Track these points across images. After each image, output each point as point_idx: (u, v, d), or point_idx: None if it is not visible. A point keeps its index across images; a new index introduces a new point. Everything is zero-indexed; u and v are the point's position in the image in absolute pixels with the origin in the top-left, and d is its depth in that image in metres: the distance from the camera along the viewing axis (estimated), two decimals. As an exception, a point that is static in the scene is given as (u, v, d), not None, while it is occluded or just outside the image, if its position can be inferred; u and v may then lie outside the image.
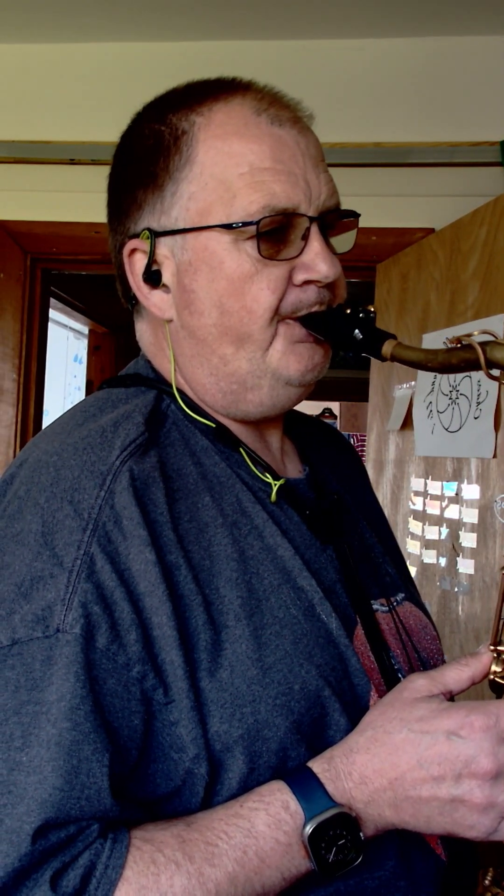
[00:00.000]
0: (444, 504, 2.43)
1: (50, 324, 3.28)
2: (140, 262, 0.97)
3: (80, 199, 2.79)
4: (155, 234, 0.95)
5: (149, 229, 0.95)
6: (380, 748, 0.81)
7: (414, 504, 2.61)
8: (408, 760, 0.79)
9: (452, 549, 2.36)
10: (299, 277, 0.92)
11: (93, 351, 5.57)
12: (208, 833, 0.78)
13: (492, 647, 0.86)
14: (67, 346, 6.17)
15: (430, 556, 2.49)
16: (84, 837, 0.75)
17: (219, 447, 0.96)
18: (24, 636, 0.78)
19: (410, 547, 2.60)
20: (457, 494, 2.36)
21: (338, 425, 8.37)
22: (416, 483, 2.59)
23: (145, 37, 2.82)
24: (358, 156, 2.73)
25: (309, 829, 0.78)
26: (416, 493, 2.59)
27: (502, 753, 0.78)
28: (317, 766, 0.82)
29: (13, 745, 0.75)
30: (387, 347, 0.89)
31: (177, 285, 0.95)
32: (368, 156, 2.74)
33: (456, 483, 2.37)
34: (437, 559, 2.45)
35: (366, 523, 1.10)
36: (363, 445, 3.07)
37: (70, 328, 5.93)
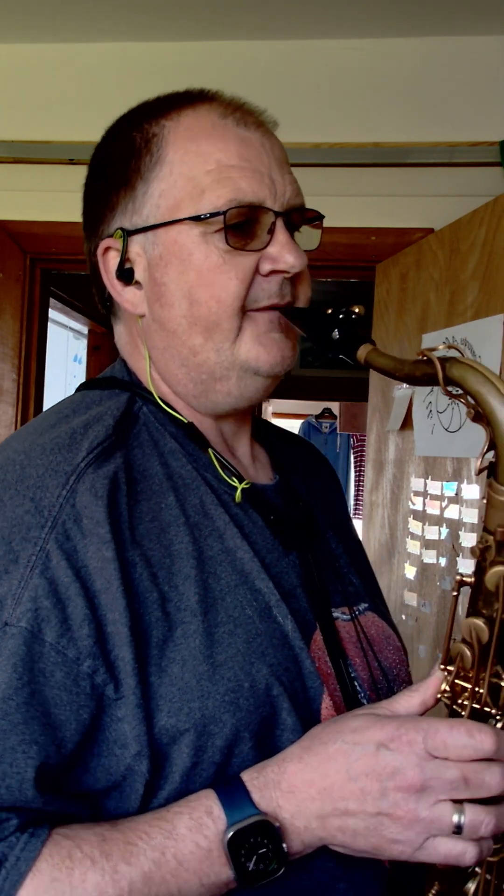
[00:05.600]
0: (444, 504, 2.43)
1: (49, 324, 3.28)
2: (113, 260, 1.00)
3: (80, 200, 2.77)
4: (127, 233, 0.98)
5: (121, 228, 0.98)
6: (312, 758, 0.81)
7: (414, 504, 2.61)
8: (337, 770, 0.79)
9: (452, 549, 2.36)
10: (266, 267, 0.95)
11: (92, 351, 5.56)
12: (130, 833, 0.79)
13: (442, 667, 0.85)
14: (67, 345, 6.17)
15: (430, 556, 2.49)
16: (1, 830, 0.76)
17: (187, 450, 0.98)
18: None
19: (410, 547, 2.60)
20: (457, 494, 2.36)
21: (337, 425, 8.37)
22: (416, 483, 2.59)
23: (145, 37, 2.82)
24: (357, 156, 2.73)
25: (228, 834, 0.78)
26: (416, 493, 2.59)
27: (430, 768, 0.77)
28: (247, 774, 0.83)
29: None
30: (362, 351, 0.91)
31: (148, 280, 0.98)
32: (367, 156, 2.74)
33: (456, 483, 2.37)
34: (437, 559, 2.45)
35: (333, 534, 1.11)
36: (363, 446, 3.07)
37: (70, 328, 5.92)
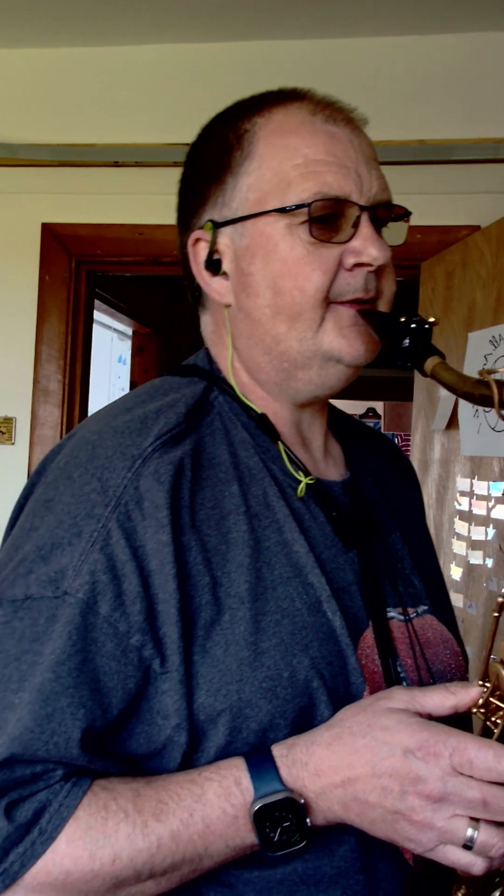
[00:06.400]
0: (490, 504, 2.40)
1: (94, 325, 3.31)
2: (203, 251, 1.04)
3: (124, 201, 2.80)
4: (216, 225, 1.01)
5: (211, 220, 1.02)
6: (340, 746, 0.84)
7: (460, 504, 2.58)
8: (363, 764, 0.82)
9: (500, 549, 2.33)
10: (349, 261, 0.97)
11: (136, 352, 5.59)
12: (162, 792, 0.84)
13: (480, 683, 0.86)
14: (111, 347, 6.22)
15: (476, 557, 2.46)
16: (47, 778, 0.83)
17: (257, 441, 1.01)
18: (36, 593, 0.86)
19: (456, 547, 2.58)
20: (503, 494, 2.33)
21: (382, 425, 8.32)
22: (462, 483, 2.57)
23: (187, 38, 2.83)
24: (402, 153, 2.72)
25: (255, 807, 0.83)
26: (462, 494, 2.57)
27: (451, 784, 0.79)
28: (277, 750, 0.86)
29: (10, 686, 0.84)
30: (429, 364, 0.92)
31: (235, 270, 1.02)
32: (412, 153, 2.72)
33: (503, 483, 2.34)
34: (484, 560, 2.42)
35: (400, 535, 1.12)
36: (408, 445, 3.04)
37: (114, 329, 5.96)
